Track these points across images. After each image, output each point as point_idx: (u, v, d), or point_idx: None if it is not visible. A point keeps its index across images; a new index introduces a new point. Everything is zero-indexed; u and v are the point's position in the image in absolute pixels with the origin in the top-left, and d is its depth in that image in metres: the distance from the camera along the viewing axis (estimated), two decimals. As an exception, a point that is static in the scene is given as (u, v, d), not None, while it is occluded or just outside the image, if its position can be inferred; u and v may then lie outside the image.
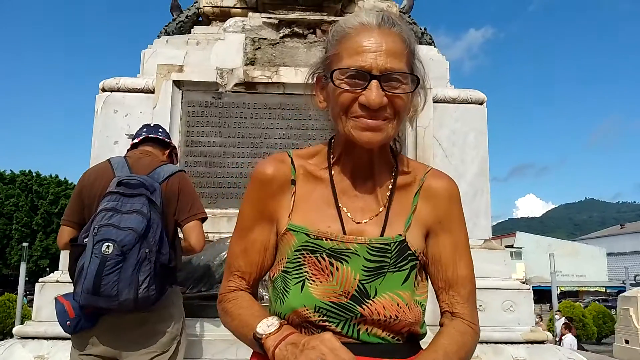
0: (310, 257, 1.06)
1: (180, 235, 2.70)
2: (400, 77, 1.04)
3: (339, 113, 1.06)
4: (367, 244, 1.07)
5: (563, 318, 13.20)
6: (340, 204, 1.12)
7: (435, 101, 4.33)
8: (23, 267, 9.88)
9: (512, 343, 3.71)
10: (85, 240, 2.33)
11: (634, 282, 25.23)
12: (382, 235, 1.08)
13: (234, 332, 1.14)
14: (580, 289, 50.96)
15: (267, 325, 1.01)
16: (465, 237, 1.18)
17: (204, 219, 2.67)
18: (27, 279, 10.24)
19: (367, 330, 1.03)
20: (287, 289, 1.06)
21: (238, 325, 1.11)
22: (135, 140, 2.82)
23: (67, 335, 2.52)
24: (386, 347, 1.04)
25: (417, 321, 1.06)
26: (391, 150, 1.19)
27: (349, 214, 1.11)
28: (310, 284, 1.04)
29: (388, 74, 1.02)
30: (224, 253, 3.59)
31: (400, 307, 1.03)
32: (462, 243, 1.17)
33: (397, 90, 1.03)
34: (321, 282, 1.04)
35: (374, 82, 1.01)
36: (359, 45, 1.03)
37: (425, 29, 5.30)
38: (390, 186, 1.15)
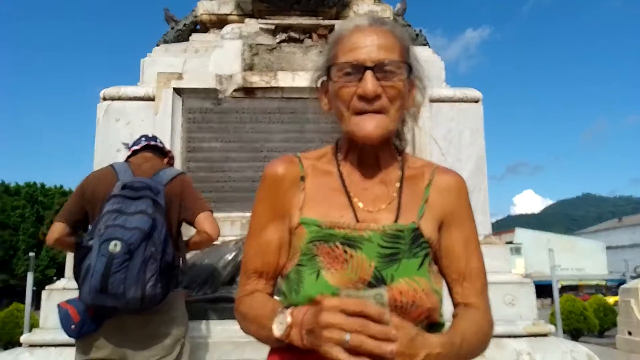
0: (323, 246, 1.06)
1: (184, 237, 2.74)
2: (393, 68, 1.09)
3: (342, 110, 1.11)
4: (381, 230, 1.07)
5: None
6: (351, 194, 1.13)
7: (431, 100, 4.37)
8: (30, 276, 9.85)
9: (514, 337, 3.72)
10: (90, 242, 2.34)
11: (634, 274, 25.25)
12: (395, 222, 1.09)
13: (255, 335, 1.13)
14: (580, 283, 51.04)
15: (278, 325, 1.01)
16: (476, 232, 1.20)
17: (211, 212, 2.71)
18: (34, 288, 10.24)
19: None
20: (302, 280, 1.05)
21: (257, 328, 1.10)
22: (136, 147, 2.84)
23: (74, 341, 2.52)
24: None
25: (434, 307, 1.05)
26: (396, 148, 1.23)
27: (360, 204, 1.12)
28: (326, 272, 1.03)
29: (380, 64, 1.07)
30: (227, 255, 3.64)
31: (417, 293, 1.02)
32: (474, 237, 1.19)
33: (392, 80, 1.08)
34: (336, 269, 1.03)
35: (368, 73, 1.06)
36: (353, 43, 1.10)
37: (420, 31, 5.35)
38: (399, 178, 1.17)
